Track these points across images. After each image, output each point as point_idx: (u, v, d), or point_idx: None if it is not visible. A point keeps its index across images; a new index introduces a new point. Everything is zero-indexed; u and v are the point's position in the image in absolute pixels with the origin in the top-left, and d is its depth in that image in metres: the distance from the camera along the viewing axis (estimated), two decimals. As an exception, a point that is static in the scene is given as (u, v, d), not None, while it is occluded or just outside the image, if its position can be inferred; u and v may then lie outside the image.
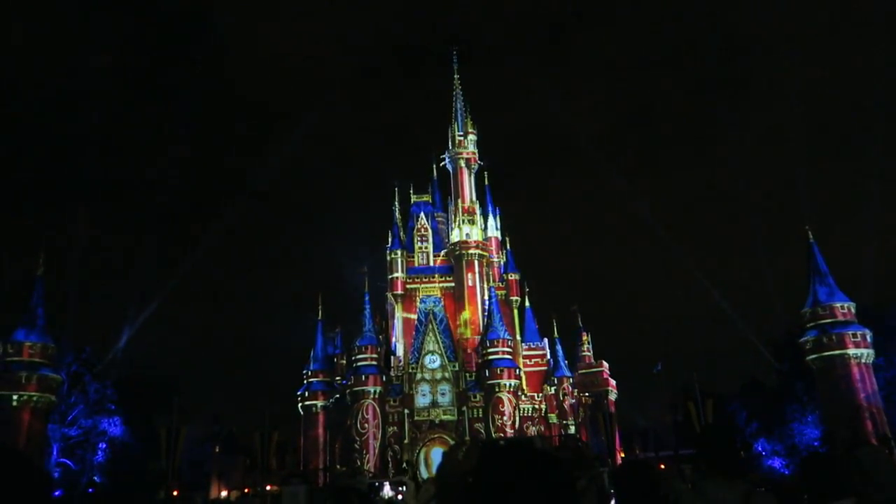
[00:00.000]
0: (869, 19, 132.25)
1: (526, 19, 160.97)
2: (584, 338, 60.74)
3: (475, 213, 58.43)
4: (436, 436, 50.08)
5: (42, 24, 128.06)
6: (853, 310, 47.20)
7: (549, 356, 57.08)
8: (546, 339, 58.07)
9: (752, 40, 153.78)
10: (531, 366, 56.26)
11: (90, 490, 45.97)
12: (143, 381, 55.19)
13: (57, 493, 42.03)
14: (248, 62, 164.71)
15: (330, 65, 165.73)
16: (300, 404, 56.17)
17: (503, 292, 57.77)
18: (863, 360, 45.26)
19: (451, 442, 49.68)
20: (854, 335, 45.64)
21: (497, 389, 49.86)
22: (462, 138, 61.06)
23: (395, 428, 50.20)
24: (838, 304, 47.07)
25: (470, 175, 60.29)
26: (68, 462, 47.00)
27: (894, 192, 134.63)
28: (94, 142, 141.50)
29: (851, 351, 45.18)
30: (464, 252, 56.77)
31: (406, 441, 49.54)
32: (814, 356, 46.70)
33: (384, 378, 51.86)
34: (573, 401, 55.14)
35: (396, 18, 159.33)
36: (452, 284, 57.17)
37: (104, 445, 48.91)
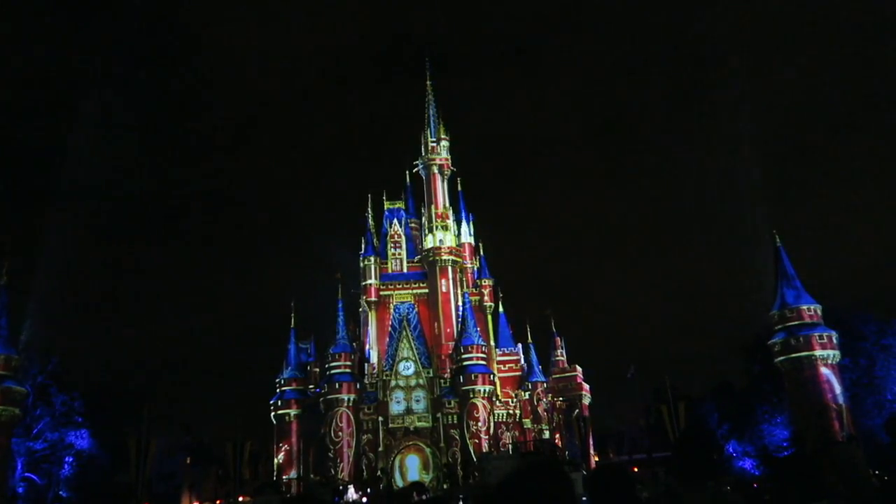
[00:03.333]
0: (835, 27, 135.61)
1: (498, 28, 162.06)
2: (558, 343, 61.08)
3: (448, 219, 58.51)
4: (411, 443, 49.89)
5: (11, 26, 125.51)
6: (820, 312, 48.14)
7: (523, 361, 57.25)
8: (520, 345, 58.26)
9: (721, 48, 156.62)
10: (505, 371, 56.37)
11: (56, 505, 44.96)
12: (111, 392, 54.11)
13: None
14: (221, 68, 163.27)
15: (303, 72, 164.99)
16: (273, 413, 55.58)
17: (477, 298, 57.84)
18: (829, 362, 46.17)
19: (427, 449, 49.58)
20: (821, 337, 46.54)
21: (472, 395, 49.88)
22: (435, 144, 61.18)
23: (370, 435, 49.89)
24: (805, 307, 47.99)
25: (443, 181, 60.39)
26: (33, 477, 45.85)
27: (860, 196, 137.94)
28: (61, 147, 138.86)
29: (818, 352, 46.05)
30: (437, 258, 56.79)
31: (381, 449, 49.26)
32: (782, 358, 47.52)
33: (358, 385, 51.56)
34: (547, 405, 55.37)
35: (370, 26, 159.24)
36: (426, 291, 57.12)
37: (71, 459, 47.81)
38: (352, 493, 40.06)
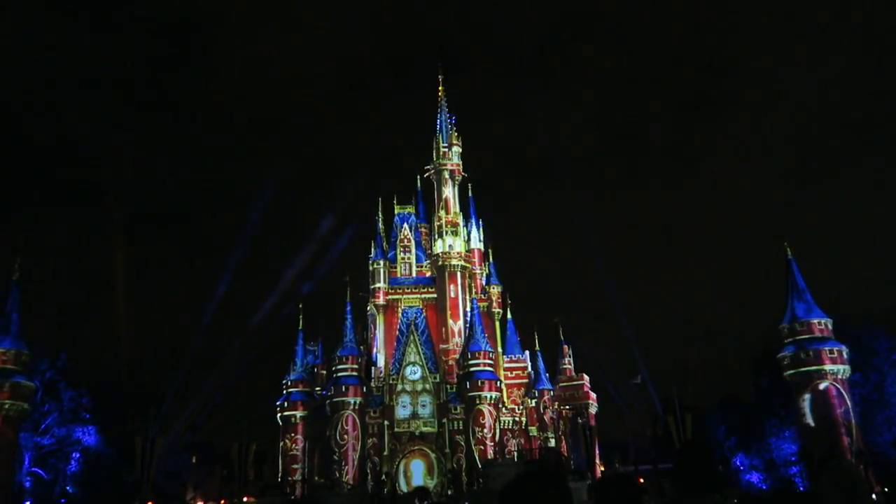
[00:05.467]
0: (852, 37, 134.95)
1: (514, 36, 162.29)
2: (566, 351, 60.80)
3: (458, 225, 58.49)
4: (416, 448, 49.80)
5: (21, 27, 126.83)
6: (830, 326, 47.73)
7: (530, 369, 57.09)
8: (527, 352, 58.09)
9: (737, 60, 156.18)
10: (512, 378, 56.22)
11: (62, 501, 45.19)
12: (119, 389, 54.43)
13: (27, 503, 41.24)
14: (234, 70, 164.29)
15: (316, 76, 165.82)
16: (279, 414, 55.64)
17: (485, 304, 57.79)
18: (839, 376, 45.76)
19: (432, 454, 49.47)
20: (831, 351, 46.12)
21: (478, 401, 49.73)
22: (447, 150, 61.24)
23: (375, 439, 49.85)
24: (815, 321, 47.59)
25: (454, 187, 60.42)
26: (40, 471, 46.12)
27: (874, 211, 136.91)
28: (74, 146, 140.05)
29: (828, 367, 45.65)
30: (446, 263, 56.78)
31: (386, 453, 49.22)
32: (791, 371, 47.14)
33: (364, 389, 51.54)
34: (554, 413, 55.16)
35: (384, 31, 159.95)
36: (435, 295, 57.10)
37: (78, 455, 48.08)
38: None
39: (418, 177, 63.88)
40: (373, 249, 58.76)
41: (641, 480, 48.60)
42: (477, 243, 60.71)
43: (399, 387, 51.24)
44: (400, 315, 56.72)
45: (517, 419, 53.32)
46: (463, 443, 49.04)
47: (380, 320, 56.69)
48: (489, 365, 51.36)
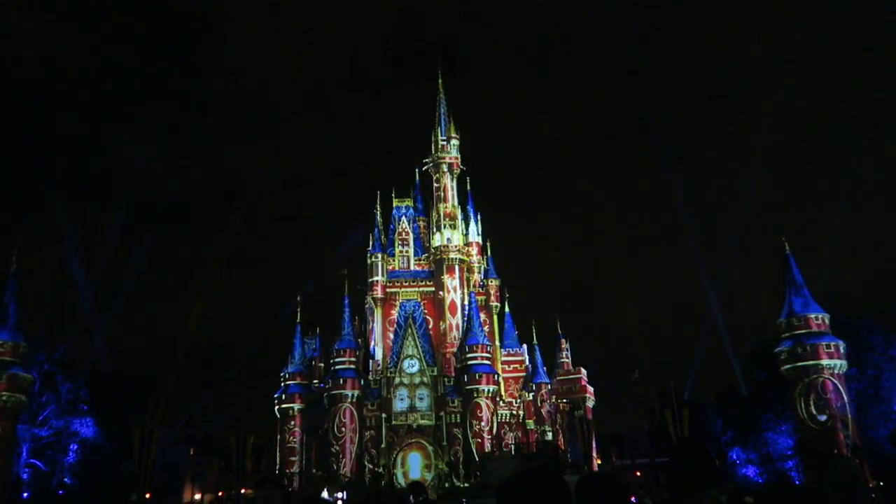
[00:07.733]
0: (849, 41, 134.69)
1: (514, 29, 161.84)
2: (563, 344, 60.86)
3: (457, 218, 58.44)
4: (413, 441, 49.90)
5: (26, 18, 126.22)
6: (827, 321, 47.77)
7: (527, 362, 57.13)
8: (525, 346, 58.14)
9: (737, 57, 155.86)
10: (510, 372, 56.30)
11: (60, 492, 45.19)
12: (117, 381, 54.42)
13: (25, 495, 41.29)
14: (235, 63, 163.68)
15: (316, 69, 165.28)
16: (277, 407, 55.69)
17: (483, 298, 57.79)
18: (836, 371, 45.85)
19: (429, 447, 49.57)
20: (828, 346, 46.18)
21: (475, 395, 49.82)
22: (445, 143, 61.10)
23: (373, 432, 49.93)
24: (813, 315, 47.62)
25: (452, 180, 60.33)
26: (38, 463, 46.14)
27: (872, 207, 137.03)
28: (74, 138, 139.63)
29: (825, 361, 45.72)
30: (445, 256, 56.77)
31: (383, 445, 49.32)
32: (788, 366, 47.22)
33: (362, 382, 51.60)
34: (551, 407, 55.26)
35: (384, 24, 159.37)
36: (432, 289, 57.12)
37: (76, 447, 48.09)
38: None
39: (417, 170, 63.75)
40: (371, 242, 58.71)
41: (638, 474, 48.83)
42: (475, 237, 60.69)
43: (397, 380, 51.29)
44: (398, 308, 56.74)
45: (514, 412, 53.40)
46: (460, 436, 49.14)
47: (378, 313, 56.70)
48: (487, 358, 51.41)
